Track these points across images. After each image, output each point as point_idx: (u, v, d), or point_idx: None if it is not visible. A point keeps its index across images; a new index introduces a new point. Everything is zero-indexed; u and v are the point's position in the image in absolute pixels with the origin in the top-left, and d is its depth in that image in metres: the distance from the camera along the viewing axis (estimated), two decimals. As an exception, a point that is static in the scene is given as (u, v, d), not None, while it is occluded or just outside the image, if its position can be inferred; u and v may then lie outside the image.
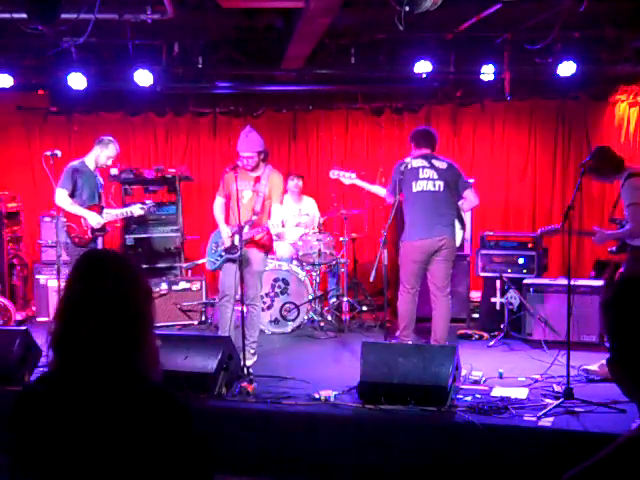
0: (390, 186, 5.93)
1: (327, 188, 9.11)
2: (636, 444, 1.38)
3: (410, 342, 5.82)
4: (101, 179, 6.44)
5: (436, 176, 5.79)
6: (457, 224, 5.90)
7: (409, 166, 5.81)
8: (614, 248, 5.45)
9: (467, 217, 7.26)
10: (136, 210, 6.54)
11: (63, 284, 1.82)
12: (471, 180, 7.53)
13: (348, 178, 6.21)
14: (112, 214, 6.37)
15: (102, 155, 6.26)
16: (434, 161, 5.85)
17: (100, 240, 6.30)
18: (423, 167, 5.80)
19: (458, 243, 5.98)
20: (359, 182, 6.33)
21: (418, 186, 5.76)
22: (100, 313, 1.70)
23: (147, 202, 6.75)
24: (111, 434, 1.64)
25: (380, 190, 6.22)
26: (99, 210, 6.26)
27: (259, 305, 6.01)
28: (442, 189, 5.77)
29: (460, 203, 5.90)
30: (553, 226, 5.96)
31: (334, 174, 6.31)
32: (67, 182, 6.09)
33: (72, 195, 6.11)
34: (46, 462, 1.67)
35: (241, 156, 5.70)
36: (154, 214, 7.81)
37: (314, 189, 8.73)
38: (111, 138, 6.34)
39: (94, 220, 6.12)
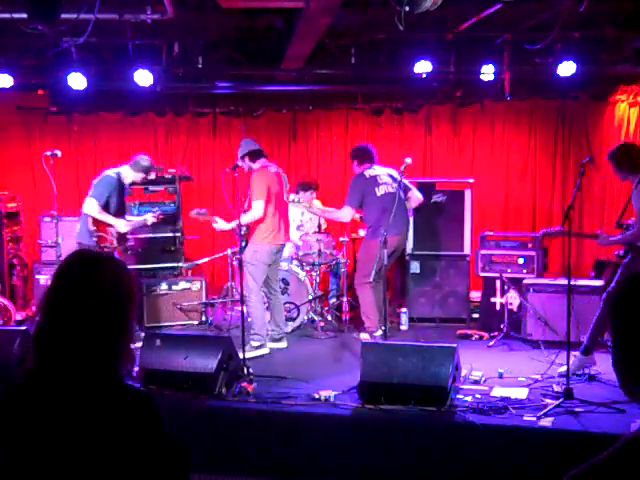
0: (351, 198, 6.55)
1: (327, 188, 9.12)
2: (639, 445, 1.38)
3: (380, 332, 6.21)
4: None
5: (390, 180, 6.56)
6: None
7: (367, 176, 6.56)
8: (621, 252, 5.44)
9: (467, 217, 7.31)
10: (150, 219, 6.64)
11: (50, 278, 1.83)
12: (471, 180, 7.58)
13: (300, 203, 6.92)
14: (129, 225, 6.41)
15: (140, 177, 6.43)
16: (383, 169, 6.68)
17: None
18: (379, 174, 6.60)
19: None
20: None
21: (381, 190, 6.50)
22: (82, 311, 1.72)
23: (154, 210, 6.84)
24: (82, 434, 1.66)
25: (335, 212, 6.86)
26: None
27: (252, 298, 6.15)
28: (397, 190, 6.24)
29: (406, 203, 6.61)
30: (555, 228, 5.99)
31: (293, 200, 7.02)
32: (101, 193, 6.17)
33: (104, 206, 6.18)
34: (21, 460, 1.68)
35: None
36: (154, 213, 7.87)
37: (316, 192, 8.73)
38: (148, 161, 6.44)
39: (123, 227, 6.23)
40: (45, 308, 1.77)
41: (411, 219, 7.19)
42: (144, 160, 6.40)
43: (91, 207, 6.12)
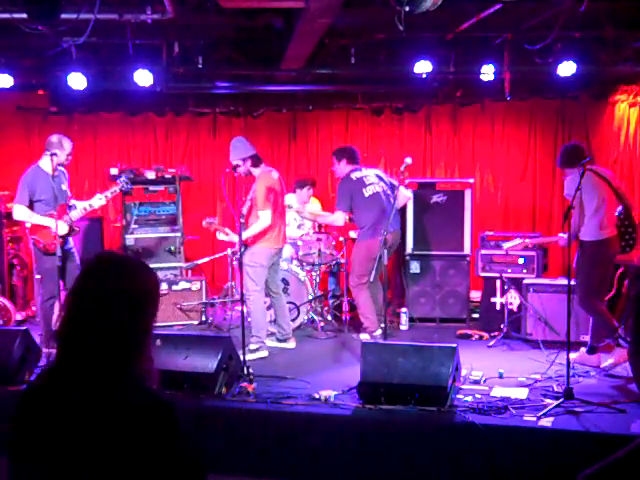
0: (341, 202, 6.60)
1: (327, 188, 9.12)
2: None
3: (380, 331, 6.25)
4: (63, 177, 6.24)
5: (377, 180, 6.63)
6: None
7: (354, 178, 6.58)
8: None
9: (467, 217, 7.30)
10: (95, 202, 6.24)
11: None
12: (471, 180, 7.58)
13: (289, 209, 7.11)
14: (80, 211, 6.16)
15: (62, 155, 6.08)
16: (368, 170, 6.75)
17: (71, 240, 6.19)
18: (365, 175, 6.63)
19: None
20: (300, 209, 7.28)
21: (368, 191, 6.54)
22: (99, 310, 1.75)
23: (120, 180, 6.35)
24: (100, 434, 1.67)
25: (328, 217, 6.98)
26: (66, 209, 6.12)
27: (251, 298, 6.13)
28: (385, 189, 6.57)
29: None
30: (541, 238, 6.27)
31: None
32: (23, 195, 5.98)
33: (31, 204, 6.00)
34: (40, 460, 1.70)
35: None
36: (153, 213, 7.85)
37: (314, 189, 8.72)
38: (57, 136, 6.15)
39: (60, 229, 5.91)
40: (67, 309, 1.80)
41: (410, 214, 7.32)
42: (52, 138, 6.11)
43: (19, 213, 6.03)
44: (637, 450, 1.40)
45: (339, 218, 6.65)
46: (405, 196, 6.78)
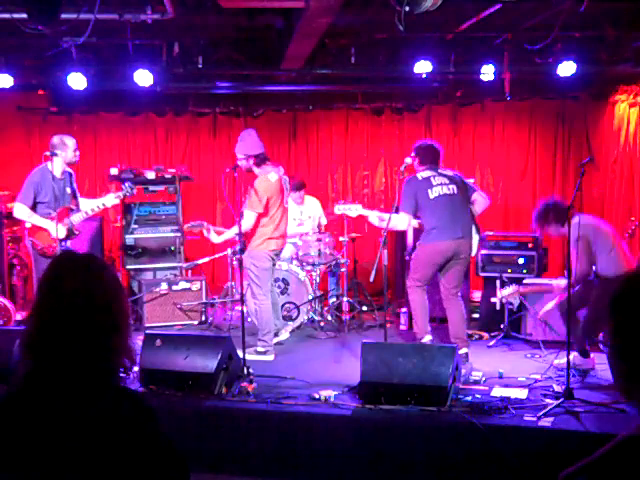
0: (404, 204, 5.86)
1: (327, 188, 9.13)
2: (636, 443, 1.38)
3: (429, 337, 5.87)
4: (69, 179, 6.19)
5: (447, 181, 5.89)
6: (473, 229, 5.95)
7: (420, 178, 5.90)
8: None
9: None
10: (109, 201, 6.20)
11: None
12: (471, 180, 7.57)
13: (354, 211, 6.25)
14: (82, 214, 6.11)
15: (68, 153, 6.02)
16: (440, 170, 5.96)
17: (69, 242, 6.14)
18: (433, 175, 5.89)
19: (474, 250, 6.04)
20: (366, 212, 6.24)
21: (434, 192, 5.83)
22: (66, 313, 1.72)
23: (124, 186, 6.28)
24: (79, 438, 1.65)
25: (393, 219, 5.86)
26: (67, 212, 6.07)
27: (258, 303, 6.11)
28: (456, 192, 5.86)
29: (471, 208, 5.97)
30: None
31: (339, 209, 6.32)
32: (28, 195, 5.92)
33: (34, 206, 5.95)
34: (16, 467, 1.66)
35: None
36: (153, 213, 7.86)
37: (314, 189, 8.73)
38: (57, 137, 6.09)
39: (60, 232, 5.86)
40: (34, 314, 1.77)
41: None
42: (53, 140, 6.04)
43: (19, 212, 5.98)
44: (617, 448, 1.40)
45: (402, 221, 5.90)
46: (483, 201, 6.01)
